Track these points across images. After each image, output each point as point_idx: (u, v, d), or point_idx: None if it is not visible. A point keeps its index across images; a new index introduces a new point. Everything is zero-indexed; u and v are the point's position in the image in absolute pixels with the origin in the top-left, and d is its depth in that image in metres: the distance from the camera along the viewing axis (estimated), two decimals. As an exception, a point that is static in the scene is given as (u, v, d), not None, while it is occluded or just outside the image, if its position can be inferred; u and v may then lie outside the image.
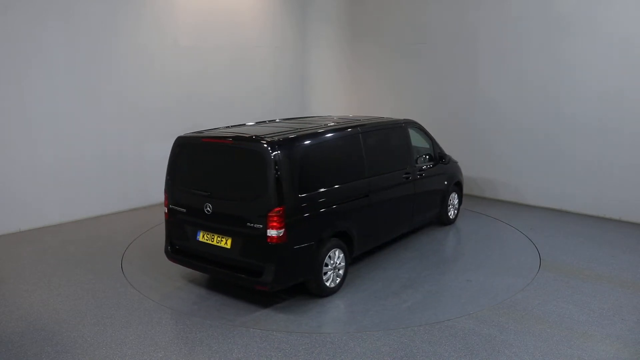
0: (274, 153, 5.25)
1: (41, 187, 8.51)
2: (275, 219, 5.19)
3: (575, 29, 8.86)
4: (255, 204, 5.34)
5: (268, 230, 5.23)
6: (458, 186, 8.65)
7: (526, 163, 9.76)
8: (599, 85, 8.71)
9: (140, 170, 9.73)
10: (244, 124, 6.93)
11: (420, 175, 7.56)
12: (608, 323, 5.28)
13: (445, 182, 8.22)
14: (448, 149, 9.12)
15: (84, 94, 8.83)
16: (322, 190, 5.74)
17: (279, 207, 5.20)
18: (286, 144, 5.43)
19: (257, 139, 5.45)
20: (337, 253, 5.93)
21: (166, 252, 6.24)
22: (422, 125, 8.15)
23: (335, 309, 5.71)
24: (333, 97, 12.88)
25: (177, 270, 6.70)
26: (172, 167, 6.11)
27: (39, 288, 6.22)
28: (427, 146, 8.08)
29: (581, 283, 6.27)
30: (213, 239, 5.70)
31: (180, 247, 6.15)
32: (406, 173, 7.25)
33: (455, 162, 8.70)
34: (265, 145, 5.31)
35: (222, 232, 5.62)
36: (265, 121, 7.31)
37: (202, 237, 5.80)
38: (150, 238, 7.96)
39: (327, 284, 5.86)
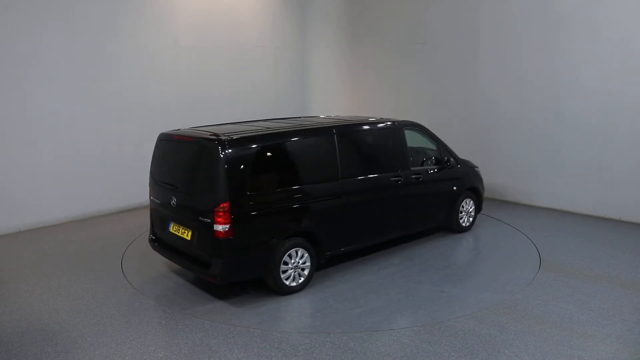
0: (223, 151, 5.45)
1: (41, 187, 8.51)
2: (220, 214, 5.37)
3: (575, 29, 8.87)
4: (206, 198, 5.56)
5: (215, 225, 5.42)
6: (474, 192, 8.20)
7: (526, 163, 9.76)
8: (599, 85, 8.70)
9: (141, 170, 9.68)
10: (224, 124, 7.01)
11: (417, 179, 7.25)
12: (608, 323, 5.28)
13: (455, 188, 7.84)
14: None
15: (84, 94, 8.83)
16: (279, 189, 5.85)
17: (225, 203, 5.37)
18: (237, 143, 5.61)
19: (211, 138, 5.65)
20: (299, 253, 6.00)
21: (149, 240, 6.67)
22: (426, 126, 7.79)
23: (285, 308, 5.71)
24: (333, 97, 12.88)
25: (178, 270, 6.71)
26: (153, 161, 6.56)
27: (39, 288, 6.22)
28: (433, 149, 7.83)
29: (581, 283, 6.27)
30: (179, 230, 6.00)
31: (159, 237, 6.53)
32: (396, 176, 6.98)
33: (472, 167, 8.32)
34: (216, 144, 5.52)
35: (185, 225, 5.92)
36: (248, 121, 7.26)
37: (172, 228, 6.14)
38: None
39: (287, 282, 5.94)
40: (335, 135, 6.42)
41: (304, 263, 6.08)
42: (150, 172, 6.57)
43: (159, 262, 6.96)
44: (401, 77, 11.61)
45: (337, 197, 6.34)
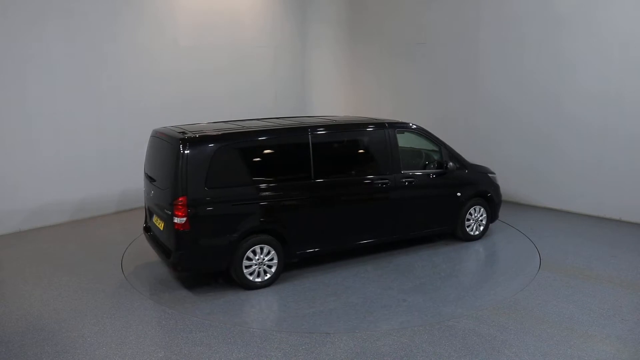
0: (184, 148, 5.73)
1: (41, 186, 8.51)
2: (178, 207, 5.66)
3: (575, 28, 8.86)
4: (169, 192, 5.83)
5: (173, 217, 5.72)
6: (486, 199, 7.77)
7: (526, 163, 9.76)
8: (599, 86, 8.70)
9: (141, 169, 9.66)
10: (212, 122, 7.26)
11: (410, 183, 7.02)
12: (608, 323, 5.28)
13: (459, 194, 7.46)
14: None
15: (84, 94, 8.83)
16: (241, 187, 6.00)
17: (182, 197, 5.65)
18: (199, 141, 5.86)
19: (176, 136, 5.96)
20: (265, 250, 6.11)
21: (143, 228, 7.15)
22: (426, 128, 7.55)
23: (240, 301, 5.85)
24: (333, 97, 12.88)
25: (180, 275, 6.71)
26: (146, 154, 6.97)
27: (39, 288, 6.22)
28: (434, 152, 7.51)
29: (581, 283, 6.26)
30: (157, 220, 6.34)
31: (148, 226, 6.93)
32: (383, 179, 6.83)
33: (484, 173, 7.90)
34: (178, 141, 5.81)
35: (159, 216, 6.23)
36: (238, 120, 7.35)
37: (154, 218, 6.50)
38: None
39: (251, 277, 6.08)
40: (310, 136, 6.42)
41: (271, 260, 6.17)
42: (144, 165, 7.05)
43: (159, 262, 6.97)
44: (401, 77, 11.61)
45: (309, 198, 6.33)
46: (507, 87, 9.88)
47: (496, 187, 7.98)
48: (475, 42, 10.20)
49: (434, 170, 7.39)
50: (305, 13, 12.46)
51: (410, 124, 7.41)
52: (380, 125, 7.06)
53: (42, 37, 8.23)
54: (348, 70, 12.67)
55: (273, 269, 6.21)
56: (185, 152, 5.70)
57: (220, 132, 6.14)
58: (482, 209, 7.75)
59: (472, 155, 9.64)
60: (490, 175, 7.97)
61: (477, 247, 7.57)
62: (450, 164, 7.37)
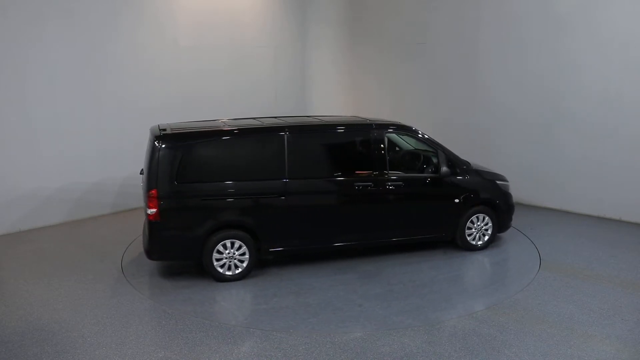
0: (159, 145, 6.09)
1: (41, 186, 8.51)
2: (149, 199, 6.02)
3: (576, 28, 8.86)
4: (145, 185, 6.22)
5: (146, 208, 6.10)
6: (491, 207, 7.29)
7: (526, 163, 9.76)
8: (599, 85, 8.70)
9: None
10: (203, 121, 7.50)
11: (398, 186, 6.81)
12: (608, 323, 5.28)
13: (457, 200, 7.08)
14: (449, 148, 9.02)
15: (84, 94, 8.83)
16: (211, 183, 6.23)
17: (153, 190, 6.01)
18: (171, 138, 6.21)
19: (155, 133, 6.27)
20: (236, 244, 6.28)
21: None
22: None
23: (202, 292, 6.07)
24: (333, 97, 12.88)
25: (178, 269, 6.71)
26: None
27: (39, 288, 6.22)
28: (434, 155, 7.14)
29: (581, 283, 6.26)
30: (145, 210, 6.51)
31: None
32: (364, 182, 6.68)
33: (491, 180, 7.42)
34: (155, 137, 6.17)
35: (145, 205, 6.44)
36: (230, 119, 7.54)
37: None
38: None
39: (221, 270, 6.29)
40: (286, 136, 6.45)
41: (243, 255, 6.32)
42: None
43: (160, 262, 6.96)
44: (401, 77, 11.61)
45: (281, 196, 6.38)
46: (507, 87, 9.87)
47: (505, 196, 7.47)
48: (475, 42, 10.20)
49: (425, 175, 7.09)
50: (305, 13, 12.46)
51: (403, 126, 7.16)
52: (364, 126, 6.95)
53: (42, 37, 8.23)
54: (348, 70, 12.67)
55: (245, 264, 6.35)
56: (159, 148, 6.07)
57: (192, 130, 6.45)
58: (486, 218, 7.28)
59: (472, 155, 9.61)
60: (499, 182, 7.49)
61: (476, 255, 7.21)
62: (444, 168, 6.98)
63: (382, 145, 6.81)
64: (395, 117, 8.95)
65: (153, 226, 6.11)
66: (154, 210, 6.02)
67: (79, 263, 7.00)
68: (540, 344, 4.88)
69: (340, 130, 6.99)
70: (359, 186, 6.67)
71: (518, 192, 9.93)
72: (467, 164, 7.30)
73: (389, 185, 6.77)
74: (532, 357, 4.67)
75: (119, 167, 9.37)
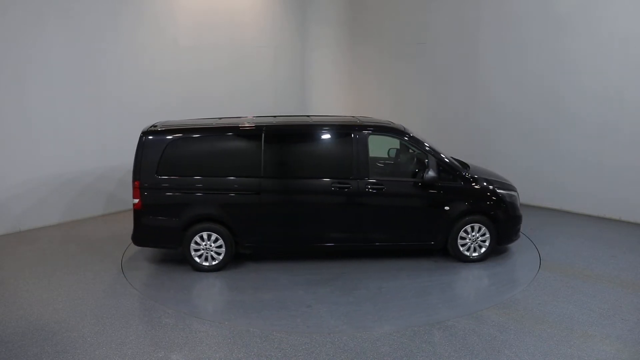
0: (144, 140, 6.54)
1: (41, 186, 8.51)
2: (134, 189, 6.53)
3: (576, 27, 8.87)
4: (132, 176, 6.66)
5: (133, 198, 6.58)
6: (490, 218, 6.81)
7: (526, 163, 9.76)
8: (599, 85, 8.71)
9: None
10: (197, 119, 7.67)
11: (379, 190, 6.59)
12: (608, 323, 5.28)
13: (447, 208, 6.73)
14: (449, 149, 8.97)
15: (84, 94, 8.83)
16: (190, 177, 6.55)
17: (136, 181, 6.49)
18: (154, 133, 6.62)
19: (145, 129, 6.68)
20: (212, 237, 6.57)
21: None
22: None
23: (175, 280, 6.43)
24: (333, 97, 12.88)
25: (178, 269, 6.72)
26: None
27: (39, 288, 6.22)
28: (423, 159, 6.84)
29: (581, 283, 6.27)
30: None
31: None
32: (342, 183, 6.57)
33: (492, 188, 6.88)
34: (142, 133, 6.61)
35: None
36: (224, 117, 7.74)
37: None
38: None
39: (199, 260, 6.62)
40: (263, 135, 6.60)
41: (219, 247, 6.59)
42: None
43: (160, 262, 6.98)
44: (401, 77, 11.61)
45: (256, 194, 6.55)
46: (507, 86, 9.87)
47: (507, 206, 6.90)
48: (475, 42, 10.20)
49: (407, 179, 6.82)
50: (305, 13, 12.46)
51: (387, 127, 6.94)
52: (347, 127, 6.82)
53: (42, 37, 8.23)
54: (348, 70, 12.67)
55: (221, 256, 6.61)
56: (143, 142, 6.53)
57: (174, 127, 6.77)
58: (483, 229, 6.82)
59: (472, 155, 9.61)
60: (503, 192, 6.94)
61: (470, 266, 6.79)
62: (430, 173, 6.58)
63: (362, 147, 6.63)
64: (395, 117, 8.96)
65: (137, 215, 6.60)
66: (137, 200, 6.51)
67: (79, 263, 7.00)
68: (540, 344, 4.88)
69: (318, 130, 6.93)
70: (335, 187, 6.58)
71: (518, 192, 9.96)
72: (462, 169, 6.89)
73: (369, 188, 6.60)
74: (532, 357, 4.67)
75: (118, 167, 9.37)
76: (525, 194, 9.84)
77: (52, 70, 8.41)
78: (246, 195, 6.56)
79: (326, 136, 6.92)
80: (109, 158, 9.27)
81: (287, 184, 6.66)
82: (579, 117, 9.00)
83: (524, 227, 8.29)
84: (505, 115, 9.97)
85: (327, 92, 12.90)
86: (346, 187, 6.58)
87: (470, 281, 6.49)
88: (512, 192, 7.09)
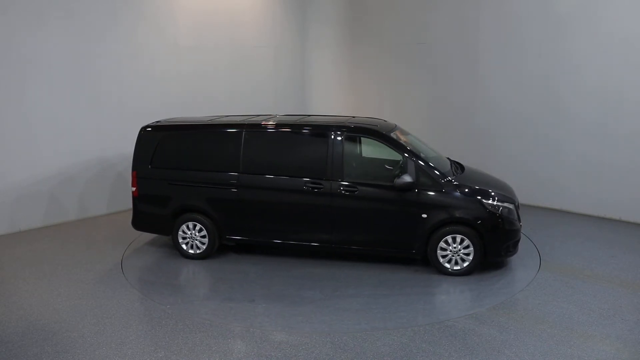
0: (141, 134, 7.29)
1: (41, 186, 8.51)
2: (132, 178, 7.24)
3: (576, 27, 8.86)
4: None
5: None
6: (475, 229, 6.32)
7: (526, 163, 9.76)
8: (599, 85, 8.70)
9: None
10: (196, 117, 8.14)
11: (352, 192, 6.46)
12: (608, 323, 5.28)
13: (424, 215, 6.34)
14: (448, 149, 9.02)
15: (84, 94, 8.83)
16: (177, 170, 7.09)
17: (134, 171, 7.22)
18: (149, 129, 7.29)
19: (145, 125, 7.38)
20: (197, 227, 7.02)
21: None
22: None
23: (157, 265, 6.90)
24: (333, 97, 12.88)
25: (178, 269, 6.72)
26: None
27: (39, 288, 6.22)
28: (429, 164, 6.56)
29: (581, 283, 6.27)
30: None
31: None
32: (315, 183, 6.55)
33: (476, 198, 6.37)
34: (142, 128, 7.32)
35: None
36: (222, 116, 8.13)
37: None
38: (150, 238, 7.95)
39: (185, 248, 7.12)
40: (243, 133, 6.96)
41: (203, 237, 7.01)
42: None
43: (160, 262, 6.98)
44: (401, 77, 11.61)
45: (235, 188, 6.88)
46: (507, 87, 9.87)
47: (497, 218, 6.34)
48: (475, 43, 10.20)
49: (380, 183, 6.53)
50: (305, 13, 12.46)
51: (368, 129, 6.80)
52: (324, 128, 6.81)
53: (42, 37, 8.23)
54: (348, 70, 12.67)
55: (204, 246, 7.05)
56: (141, 135, 7.27)
57: (169, 124, 7.39)
58: (466, 241, 6.34)
59: (472, 155, 9.61)
60: (487, 201, 6.36)
61: (451, 279, 6.42)
62: (404, 178, 6.28)
63: (337, 148, 6.59)
64: (395, 117, 8.96)
65: (135, 201, 7.29)
66: (134, 188, 7.21)
67: (79, 263, 7.00)
68: (540, 344, 4.89)
69: (296, 130, 7.01)
70: (308, 187, 6.61)
71: (518, 192, 9.94)
72: (444, 175, 6.47)
73: (341, 190, 6.51)
74: (532, 357, 4.67)
75: (118, 167, 9.38)
76: (525, 194, 9.84)
77: (52, 70, 8.41)
78: (225, 189, 6.91)
79: (303, 136, 7.04)
80: (109, 158, 9.27)
81: (262, 181, 6.83)
82: (579, 117, 9.00)
83: (524, 227, 8.28)
84: (505, 115, 9.97)
85: (327, 92, 12.90)
86: (317, 188, 6.59)
87: (470, 281, 6.48)
88: (506, 204, 6.46)
